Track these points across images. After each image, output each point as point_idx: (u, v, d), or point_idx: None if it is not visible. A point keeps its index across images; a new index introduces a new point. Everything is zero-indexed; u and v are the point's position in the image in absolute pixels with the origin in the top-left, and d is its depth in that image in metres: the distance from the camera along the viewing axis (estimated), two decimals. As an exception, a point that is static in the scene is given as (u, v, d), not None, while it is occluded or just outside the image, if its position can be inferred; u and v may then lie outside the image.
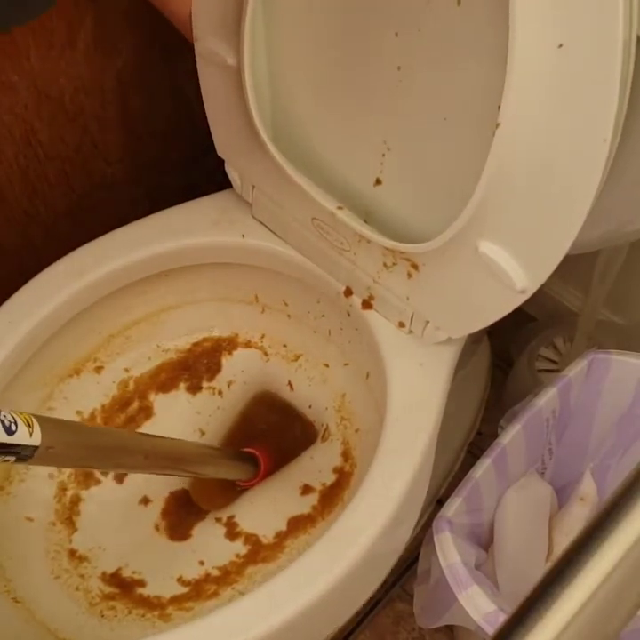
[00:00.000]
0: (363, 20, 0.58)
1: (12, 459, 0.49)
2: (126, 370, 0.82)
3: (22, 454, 0.50)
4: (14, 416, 0.49)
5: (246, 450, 0.80)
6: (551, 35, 0.46)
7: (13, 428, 0.49)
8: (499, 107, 0.49)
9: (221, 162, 0.77)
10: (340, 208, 0.66)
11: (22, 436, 0.49)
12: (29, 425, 0.50)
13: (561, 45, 0.46)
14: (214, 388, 0.84)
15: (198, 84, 0.72)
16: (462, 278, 0.62)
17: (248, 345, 0.85)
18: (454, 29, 0.53)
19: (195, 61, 0.70)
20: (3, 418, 0.48)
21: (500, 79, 0.48)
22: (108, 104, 0.79)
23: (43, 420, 0.52)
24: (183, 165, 0.92)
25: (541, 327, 1.03)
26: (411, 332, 0.70)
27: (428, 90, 0.57)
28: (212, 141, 0.75)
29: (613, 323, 0.99)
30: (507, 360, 1.05)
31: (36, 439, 0.50)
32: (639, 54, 0.45)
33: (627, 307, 0.97)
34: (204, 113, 0.74)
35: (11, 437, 0.48)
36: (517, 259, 0.56)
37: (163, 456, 0.66)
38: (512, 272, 0.56)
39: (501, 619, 0.60)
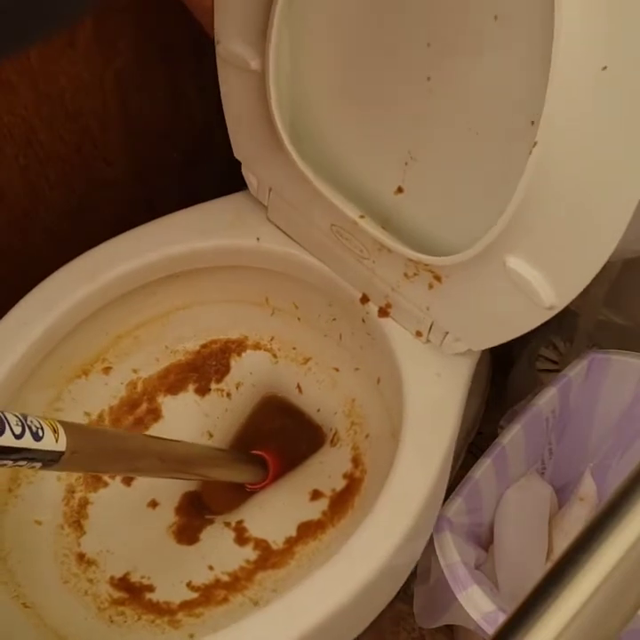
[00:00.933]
0: (394, 29, 0.57)
1: (39, 465, 0.50)
2: (135, 371, 0.82)
3: (48, 460, 0.50)
4: (41, 422, 0.49)
5: (255, 452, 0.80)
6: (595, 56, 0.45)
7: (40, 433, 0.49)
8: (532, 122, 0.49)
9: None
10: (361, 217, 0.66)
11: (49, 442, 0.49)
12: (55, 431, 0.50)
13: (605, 68, 0.45)
14: (223, 390, 0.84)
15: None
16: (487, 292, 0.61)
17: (257, 347, 0.85)
18: (489, 44, 0.52)
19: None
20: (30, 424, 0.48)
21: (534, 95, 0.47)
22: (108, 104, 0.79)
23: (67, 426, 0.52)
24: (183, 165, 0.92)
25: (541, 327, 1.02)
26: (428, 341, 0.69)
27: (457, 102, 0.56)
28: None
29: (613, 323, 0.99)
30: (507, 360, 1.05)
31: (61, 445, 0.50)
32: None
33: (627, 307, 0.97)
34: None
35: (38, 443, 0.48)
36: (546, 276, 0.55)
37: (176, 459, 0.66)
38: (540, 289, 0.56)
39: (501, 619, 0.60)
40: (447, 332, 0.67)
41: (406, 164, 0.62)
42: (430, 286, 0.65)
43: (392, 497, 0.61)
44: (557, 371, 0.95)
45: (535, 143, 0.49)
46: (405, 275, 0.67)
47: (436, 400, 0.66)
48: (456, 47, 0.54)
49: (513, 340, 1.04)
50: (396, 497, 0.61)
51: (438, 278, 0.64)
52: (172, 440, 0.68)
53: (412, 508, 0.61)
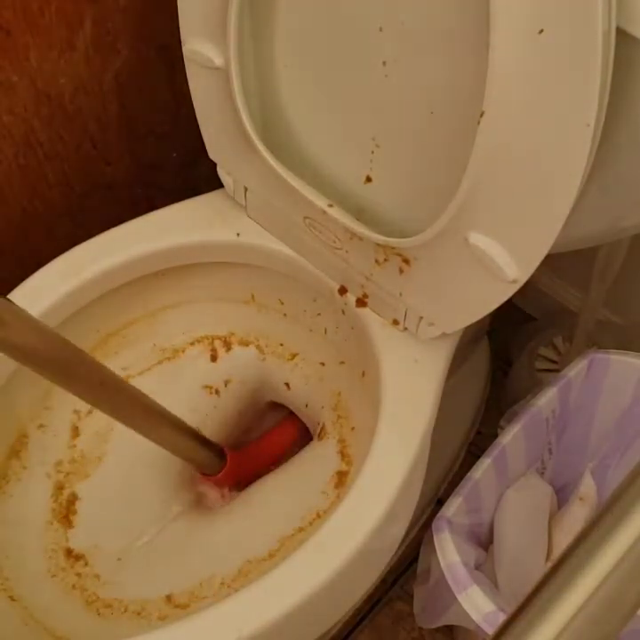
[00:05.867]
0: (348, 16, 0.58)
1: None
2: (123, 369, 0.82)
3: None
4: None
5: (216, 443, 0.79)
6: (532, 20, 0.45)
7: None
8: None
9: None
10: (330, 206, 0.67)
11: None
12: None
13: (542, 31, 0.45)
14: (211, 388, 0.84)
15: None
16: (454, 271, 0.62)
17: (245, 344, 0.86)
18: (437, 20, 0.53)
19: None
20: None
21: (485, 68, 0.48)
22: (108, 104, 0.79)
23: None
24: (183, 165, 0.92)
25: (541, 327, 1.03)
26: (405, 329, 0.70)
27: (413, 84, 0.57)
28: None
29: (613, 323, 0.99)
30: (506, 360, 1.05)
31: None
32: (620, 42, 0.45)
33: (627, 307, 0.97)
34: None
35: None
36: (507, 248, 0.56)
37: (117, 390, 0.63)
38: (502, 262, 0.56)
39: (501, 619, 0.60)
40: (421, 318, 0.68)
41: (372, 152, 0.63)
42: (401, 271, 0.66)
43: (368, 481, 0.62)
44: (557, 370, 0.96)
45: (482, 113, 0.50)
46: (377, 261, 0.68)
47: (413, 386, 0.67)
48: (406, 28, 0.55)
49: (512, 339, 1.04)
50: (371, 481, 0.62)
51: (407, 262, 0.65)
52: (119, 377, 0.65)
53: (388, 492, 0.61)
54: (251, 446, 0.85)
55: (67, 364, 0.57)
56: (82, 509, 0.75)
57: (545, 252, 0.54)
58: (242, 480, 0.80)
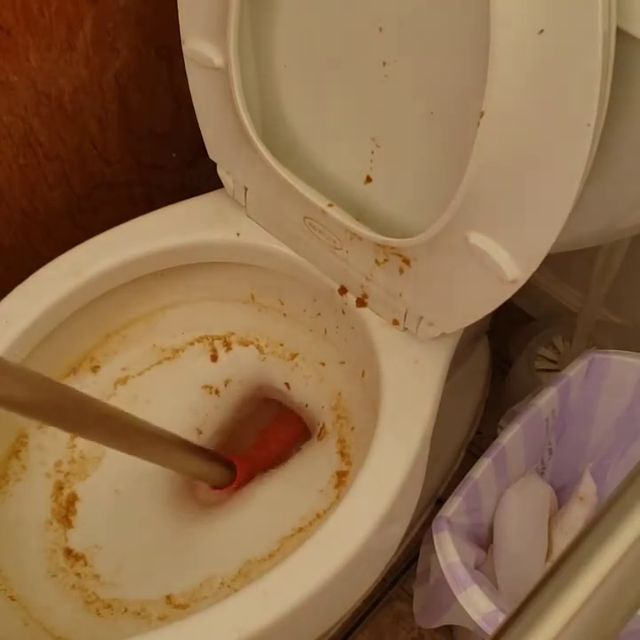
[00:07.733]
0: (348, 17, 0.58)
1: None
2: (123, 369, 0.82)
3: None
4: None
5: (224, 455, 0.79)
6: (532, 20, 0.45)
7: None
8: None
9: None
10: (330, 206, 0.67)
11: None
12: None
13: (542, 31, 0.45)
14: (211, 388, 0.84)
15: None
16: (453, 271, 0.62)
17: (244, 344, 0.86)
18: (436, 20, 0.53)
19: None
20: None
21: (484, 69, 0.48)
22: (108, 104, 0.79)
23: None
24: (183, 165, 0.92)
25: (540, 327, 1.03)
26: (405, 329, 0.70)
27: (413, 84, 0.57)
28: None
29: (613, 323, 0.99)
30: (506, 360, 1.05)
31: None
32: (620, 42, 0.45)
33: (626, 307, 0.97)
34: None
35: None
36: (507, 248, 0.56)
37: (118, 425, 0.62)
38: (502, 262, 0.56)
39: (501, 619, 0.60)
40: (421, 318, 0.68)
41: (372, 152, 0.63)
42: (401, 271, 0.66)
43: (368, 482, 0.62)
44: (556, 370, 0.96)
45: (482, 113, 0.49)
46: (377, 262, 0.68)
47: (413, 386, 0.67)
48: (405, 29, 0.55)
49: (512, 339, 1.04)
50: (371, 481, 0.62)
51: (407, 262, 0.65)
52: (123, 411, 0.63)
53: (388, 492, 0.62)
54: (255, 449, 0.85)
55: (59, 409, 0.56)
56: (82, 509, 0.75)
57: (545, 252, 0.54)
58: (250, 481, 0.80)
